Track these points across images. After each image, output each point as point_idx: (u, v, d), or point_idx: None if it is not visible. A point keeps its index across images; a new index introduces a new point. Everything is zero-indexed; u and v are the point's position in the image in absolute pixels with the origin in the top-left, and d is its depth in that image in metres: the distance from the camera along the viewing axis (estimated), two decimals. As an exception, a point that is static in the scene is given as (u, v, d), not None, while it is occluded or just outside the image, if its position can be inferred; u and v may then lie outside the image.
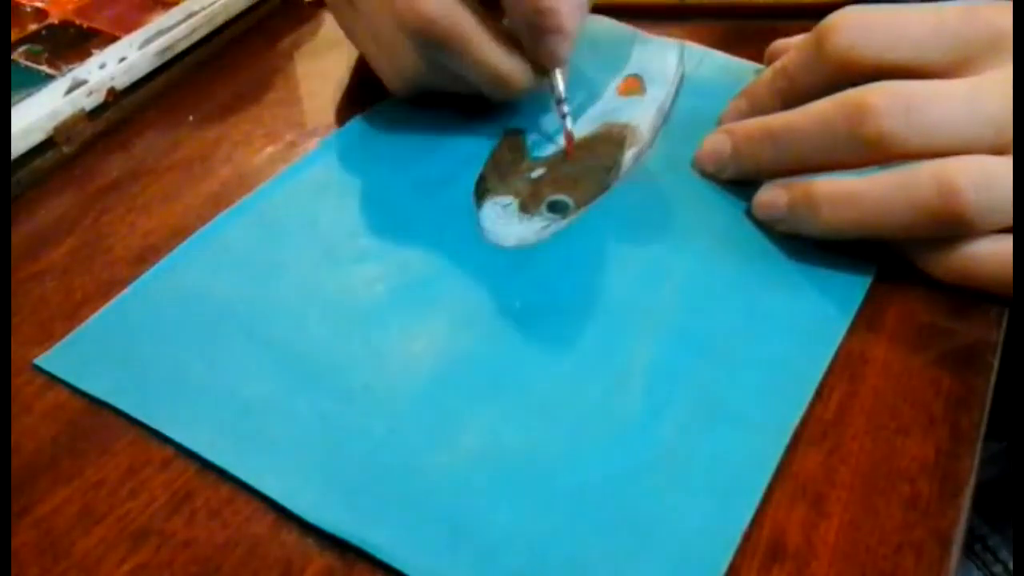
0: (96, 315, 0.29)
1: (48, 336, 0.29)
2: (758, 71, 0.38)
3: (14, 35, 0.39)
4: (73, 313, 0.29)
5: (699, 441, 0.25)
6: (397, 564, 0.23)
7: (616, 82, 0.39)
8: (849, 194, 0.29)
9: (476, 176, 0.34)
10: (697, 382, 0.27)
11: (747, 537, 0.23)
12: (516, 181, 0.34)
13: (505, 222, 0.32)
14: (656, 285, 0.30)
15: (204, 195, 0.34)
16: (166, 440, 0.26)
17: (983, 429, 0.26)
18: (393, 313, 0.29)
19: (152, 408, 0.26)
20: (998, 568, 0.45)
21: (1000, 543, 0.45)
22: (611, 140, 0.36)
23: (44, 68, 0.37)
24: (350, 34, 0.37)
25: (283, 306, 0.29)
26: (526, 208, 0.33)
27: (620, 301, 0.29)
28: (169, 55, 0.39)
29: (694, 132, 0.35)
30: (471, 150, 0.35)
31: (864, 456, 0.25)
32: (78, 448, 0.26)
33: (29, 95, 0.35)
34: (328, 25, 0.43)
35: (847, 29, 0.30)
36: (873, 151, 0.28)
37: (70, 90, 0.36)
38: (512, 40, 0.33)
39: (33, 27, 0.40)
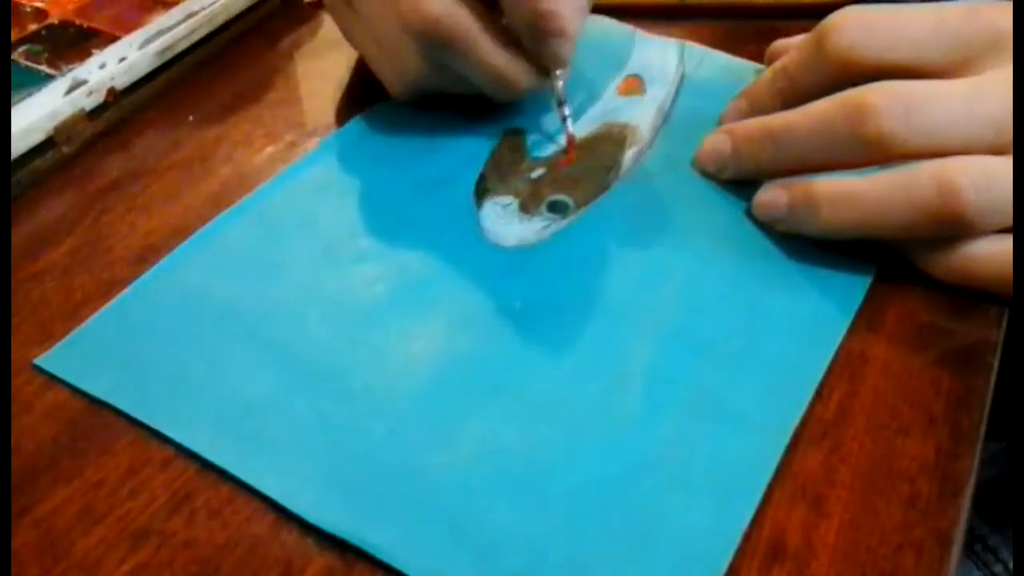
0: (96, 315, 0.29)
1: (48, 336, 0.29)
2: (758, 71, 0.38)
3: (14, 35, 0.39)
4: (73, 313, 0.29)
5: (699, 441, 0.25)
6: (397, 564, 0.23)
7: (616, 82, 0.39)
8: (849, 194, 0.29)
9: (476, 176, 0.34)
10: (697, 382, 0.27)
11: (747, 537, 0.23)
12: (516, 181, 0.34)
13: (505, 222, 0.32)
14: (656, 285, 0.30)
15: (204, 195, 0.34)
16: (166, 440, 0.26)
17: (983, 429, 0.26)
18: (393, 313, 0.29)
19: (152, 408, 0.26)
20: (998, 568, 0.45)
21: (1000, 543, 0.45)
22: (611, 140, 0.36)
23: (44, 68, 0.37)
24: (349, 36, 0.37)
25: (283, 306, 0.29)
26: (526, 208, 0.33)
27: (620, 301, 0.29)
28: (169, 55, 0.39)
29: (694, 132, 0.35)
30: (471, 150, 0.35)
31: (864, 456, 0.25)
32: (78, 448, 0.26)
33: (29, 95, 0.35)
34: (328, 25, 0.43)
35: (847, 29, 0.30)
36: (873, 151, 0.28)
37: (70, 90, 0.36)
38: (514, 41, 0.33)
39: (33, 27, 0.40)
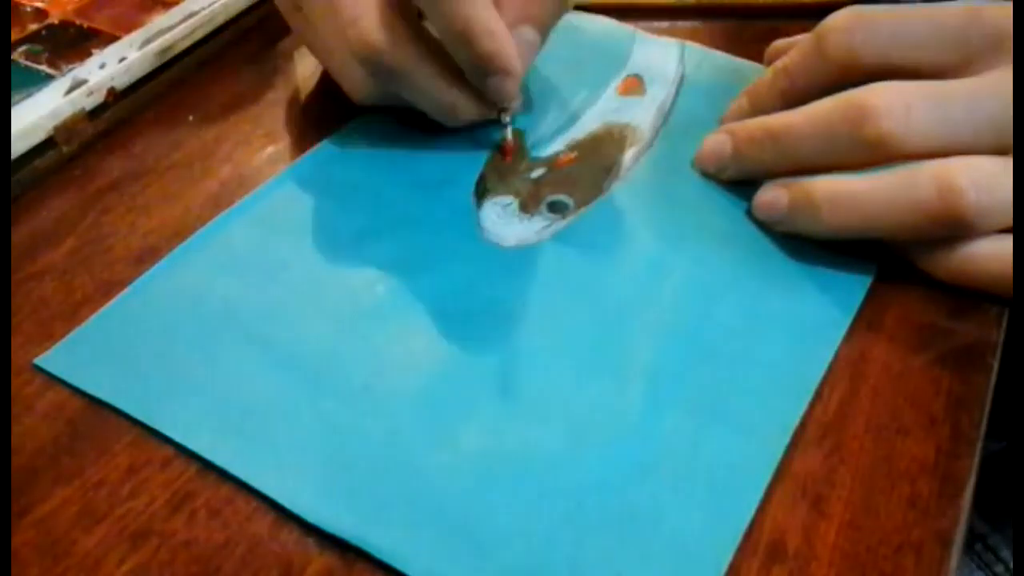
0: (96, 315, 0.29)
1: (48, 336, 0.29)
2: (758, 71, 0.38)
3: (14, 35, 0.39)
4: (73, 313, 0.29)
5: (699, 441, 0.25)
6: (397, 564, 0.23)
7: (616, 82, 0.39)
8: (849, 194, 0.29)
9: (476, 176, 0.34)
10: (697, 382, 0.27)
11: (747, 537, 0.23)
12: (516, 181, 0.34)
13: (505, 222, 0.32)
14: (656, 285, 0.30)
15: (204, 195, 0.34)
16: (166, 440, 0.26)
17: (983, 429, 0.26)
18: (393, 313, 0.29)
19: (152, 408, 0.26)
20: (999, 568, 0.45)
21: (1000, 542, 0.45)
22: (611, 140, 0.36)
23: (44, 68, 0.37)
24: (303, 41, 0.37)
25: (283, 306, 0.29)
26: (526, 208, 0.33)
27: (620, 301, 0.29)
28: (169, 55, 0.39)
29: (694, 132, 0.35)
30: (471, 150, 0.35)
31: (864, 456, 0.25)
32: (78, 448, 0.26)
33: (29, 95, 0.35)
34: (328, 25, 0.43)
35: (848, 29, 0.30)
36: (874, 152, 0.28)
37: (70, 90, 0.35)
38: (461, 72, 0.32)
39: (33, 27, 0.40)
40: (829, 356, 0.28)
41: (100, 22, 0.40)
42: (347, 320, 0.29)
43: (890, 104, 0.28)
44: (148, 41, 0.38)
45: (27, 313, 0.30)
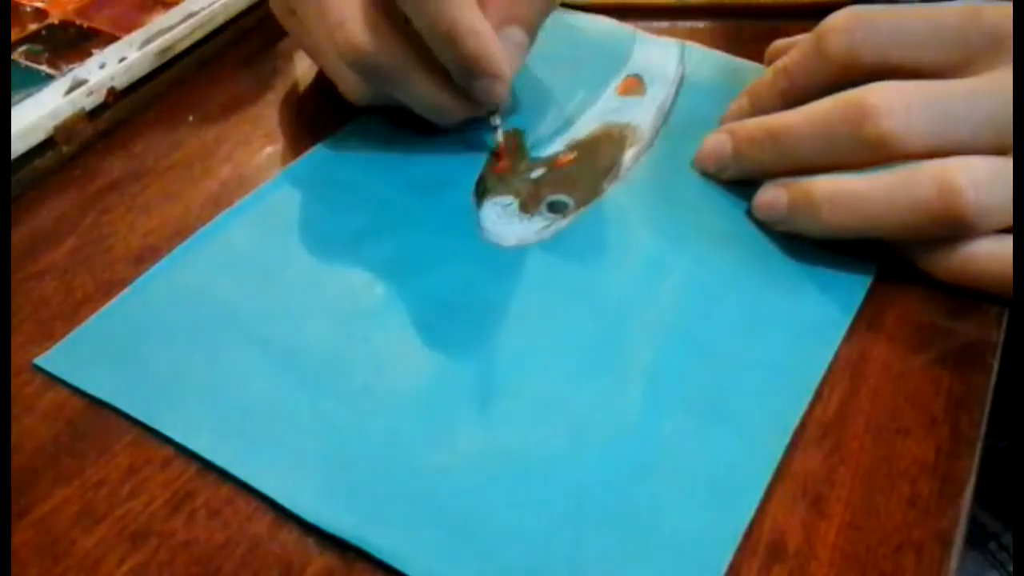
0: (96, 315, 0.29)
1: (48, 336, 0.29)
2: (758, 71, 0.38)
3: (14, 35, 0.39)
4: (73, 313, 0.29)
5: (699, 441, 0.25)
6: (397, 564, 0.23)
7: (616, 82, 0.39)
8: (849, 194, 0.29)
9: (476, 176, 0.34)
10: (697, 382, 0.27)
11: (747, 537, 0.23)
12: (516, 181, 0.34)
13: (505, 222, 0.32)
14: (656, 285, 0.30)
15: (204, 195, 0.34)
16: (166, 440, 0.26)
17: (983, 429, 0.26)
18: (393, 313, 0.29)
19: (152, 408, 0.26)
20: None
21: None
22: (611, 140, 0.36)
23: (44, 68, 0.37)
24: (302, 47, 0.37)
25: (283, 306, 0.29)
26: (526, 208, 0.33)
27: (620, 301, 0.29)
28: (169, 55, 0.39)
29: (694, 132, 0.35)
30: (471, 150, 0.35)
31: (864, 456, 0.25)
32: (78, 448, 0.26)
33: (29, 95, 0.35)
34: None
35: (848, 29, 0.30)
36: (873, 151, 0.28)
37: (70, 90, 0.36)
38: (448, 72, 0.32)
39: (33, 27, 0.40)
40: (829, 356, 0.28)
41: (100, 22, 0.40)
42: (347, 320, 0.29)
43: (890, 104, 0.28)
44: (148, 41, 0.38)
45: (27, 313, 0.30)
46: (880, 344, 0.28)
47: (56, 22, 0.40)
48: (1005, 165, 0.27)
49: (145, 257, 0.31)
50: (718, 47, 0.40)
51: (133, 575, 0.23)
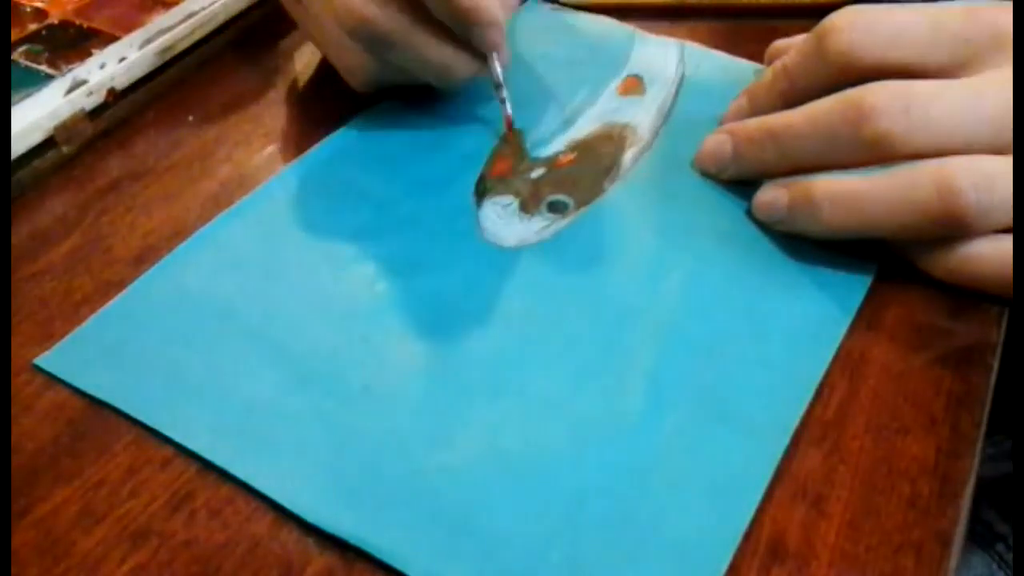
0: (96, 315, 0.29)
1: (48, 336, 0.29)
2: (758, 71, 0.38)
3: (14, 35, 0.39)
4: (73, 313, 0.29)
5: (699, 441, 0.25)
6: (397, 564, 0.23)
7: (616, 82, 0.39)
8: (849, 194, 0.29)
9: (476, 176, 0.34)
10: (697, 382, 0.27)
11: (747, 537, 0.23)
12: (516, 181, 0.34)
13: (505, 222, 0.32)
14: (656, 285, 0.30)
15: (204, 195, 0.34)
16: (166, 440, 0.26)
17: (983, 429, 0.26)
18: (393, 313, 0.29)
19: (152, 408, 0.26)
20: (1022, 567, 0.44)
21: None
22: (611, 140, 0.36)
23: (44, 68, 0.37)
24: (304, 31, 0.37)
25: (283, 306, 0.29)
26: (526, 208, 0.33)
27: (620, 301, 0.29)
28: (169, 55, 0.39)
29: (694, 132, 0.35)
30: (471, 150, 0.35)
31: (864, 456, 0.25)
32: (78, 448, 0.26)
33: (29, 95, 0.35)
34: (328, 25, 0.43)
35: (847, 29, 0.30)
36: (873, 151, 0.28)
37: (70, 90, 0.36)
38: (449, 31, 0.33)
39: (33, 27, 0.40)
40: (829, 356, 0.28)
41: (100, 22, 0.40)
42: (347, 320, 0.29)
43: (889, 104, 0.28)
44: (148, 41, 0.38)
45: (27, 313, 0.30)
46: (880, 344, 0.28)
47: (56, 22, 0.40)
48: (1005, 165, 0.27)
49: (145, 257, 0.31)
50: (718, 47, 0.40)
51: (133, 575, 0.23)
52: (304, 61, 0.41)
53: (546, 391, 0.27)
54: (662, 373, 0.27)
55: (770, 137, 0.31)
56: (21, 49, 0.38)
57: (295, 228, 0.32)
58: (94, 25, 0.40)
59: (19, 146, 0.34)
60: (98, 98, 0.36)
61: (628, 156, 0.35)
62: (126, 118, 0.38)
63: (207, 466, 0.25)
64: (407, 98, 0.37)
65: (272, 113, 0.38)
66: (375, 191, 0.34)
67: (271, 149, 0.36)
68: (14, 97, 0.35)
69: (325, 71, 0.40)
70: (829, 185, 0.29)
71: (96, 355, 0.28)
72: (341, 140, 0.36)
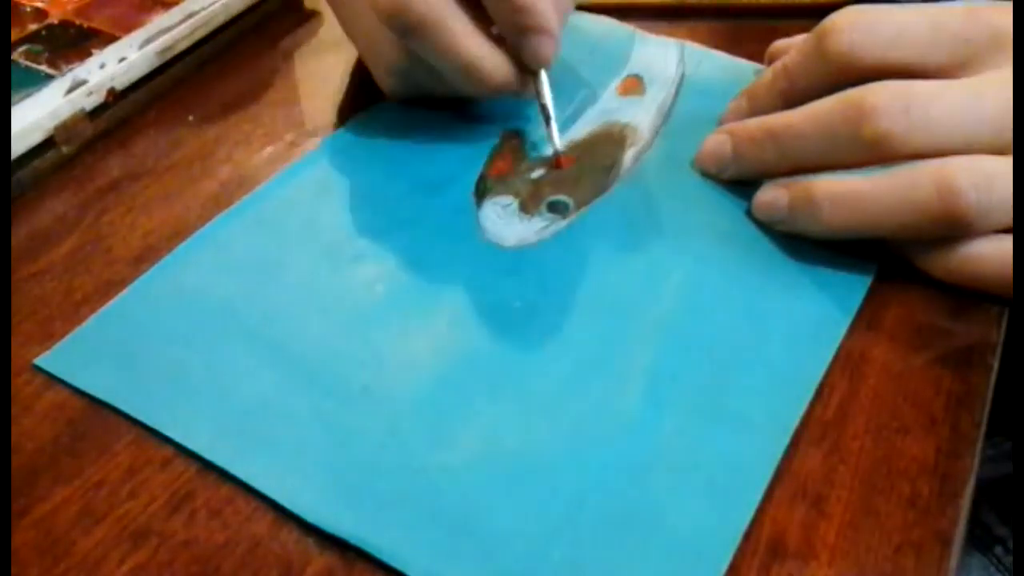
0: (96, 315, 0.29)
1: (48, 336, 0.29)
2: (758, 71, 0.38)
3: (14, 35, 0.39)
4: (73, 313, 0.29)
5: (699, 441, 0.25)
6: (397, 564, 0.23)
7: (616, 82, 0.39)
8: (849, 194, 0.29)
9: (476, 176, 0.34)
10: (697, 382, 0.27)
11: (747, 537, 0.23)
12: (516, 181, 0.34)
13: (505, 222, 0.32)
14: (656, 285, 0.30)
15: (204, 195, 0.34)
16: (166, 440, 0.26)
17: (983, 429, 0.26)
18: (393, 313, 0.29)
19: (152, 408, 0.26)
20: (1020, 572, 0.44)
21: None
22: (611, 140, 0.36)
23: (44, 68, 0.37)
24: (343, 25, 0.37)
25: (283, 306, 0.29)
26: (526, 208, 0.33)
27: (620, 301, 0.29)
28: (169, 55, 0.39)
29: (694, 132, 0.35)
30: (471, 150, 0.35)
31: (864, 456, 0.25)
32: (78, 448, 0.26)
33: (29, 95, 0.35)
34: (328, 25, 0.43)
35: (847, 29, 0.30)
36: (873, 151, 0.28)
37: (70, 90, 0.36)
38: (495, 37, 0.32)
39: (33, 27, 0.40)
40: (829, 356, 0.28)
41: (100, 22, 0.40)
42: (347, 320, 0.29)
43: (889, 103, 0.28)
44: (148, 41, 0.38)
45: (27, 313, 0.30)
46: (880, 344, 0.28)
47: (56, 22, 0.40)
48: (1005, 165, 0.27)
49: (145, 257, 0.31)
50: (718, 47, 0.40)
51: (133, 575, 0.23)
52: (304, 61, 0.41)
53: (546, 391, 0.27)
54: (662, 373, 0.27)
55: (770, 137, 0.31)
56: (21, 49, 0.39)
57: (295, 228, 0.32)
58: (94, 25, 0.40)
59: (19, 146, 0.34)
60: (98, 98, 0.36)
61: (628, 156, 0.35)
62: (126, 118, 0.38)
63: (207, 466, 0.25)
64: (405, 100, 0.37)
65: (272, 113, 0.38)
66: (375, 191, 0.34)
67: (271, 149, 0.36)
68: (14, 97, 0.35)
69: (325, 71, 0.40)
70: (829, 185, 0.29)
71: (96, 355, 0.28)
72: (341, 140, 0.36)
